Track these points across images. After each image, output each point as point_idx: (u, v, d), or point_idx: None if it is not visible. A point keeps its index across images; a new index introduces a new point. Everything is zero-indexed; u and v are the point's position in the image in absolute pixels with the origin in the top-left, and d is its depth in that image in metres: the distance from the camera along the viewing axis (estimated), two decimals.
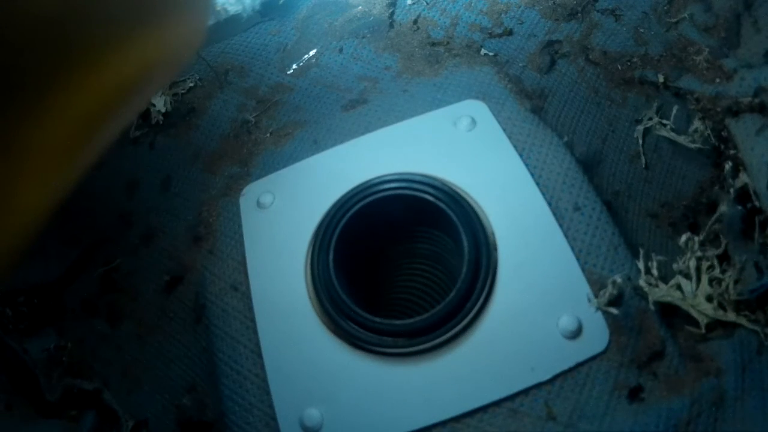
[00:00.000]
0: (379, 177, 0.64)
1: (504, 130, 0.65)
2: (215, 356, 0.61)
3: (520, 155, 0.63)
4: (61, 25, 0.22)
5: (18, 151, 0.23)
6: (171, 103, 0.79)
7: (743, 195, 0.56)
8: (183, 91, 0.79)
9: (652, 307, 0.53)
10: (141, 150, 0.78)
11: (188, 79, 0.80)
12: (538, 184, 0.61)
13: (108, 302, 0.71)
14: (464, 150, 0.64)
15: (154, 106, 0.78)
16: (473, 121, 0.66)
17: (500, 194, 0.61)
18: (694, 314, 0.52)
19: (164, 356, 0.67)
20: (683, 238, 0.55)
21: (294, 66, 0.79)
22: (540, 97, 0.70)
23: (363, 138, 0.68)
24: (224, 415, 0.58)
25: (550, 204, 0.60)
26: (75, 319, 0.71)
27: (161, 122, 0.78)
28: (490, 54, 0.73)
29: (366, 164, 0.65)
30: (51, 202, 0.27)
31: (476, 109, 0.67)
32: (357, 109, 0.72)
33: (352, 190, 0.63)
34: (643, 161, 0.66)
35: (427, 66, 0.74)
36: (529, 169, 0.62)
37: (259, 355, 0.59)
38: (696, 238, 0.54)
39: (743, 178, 0.55)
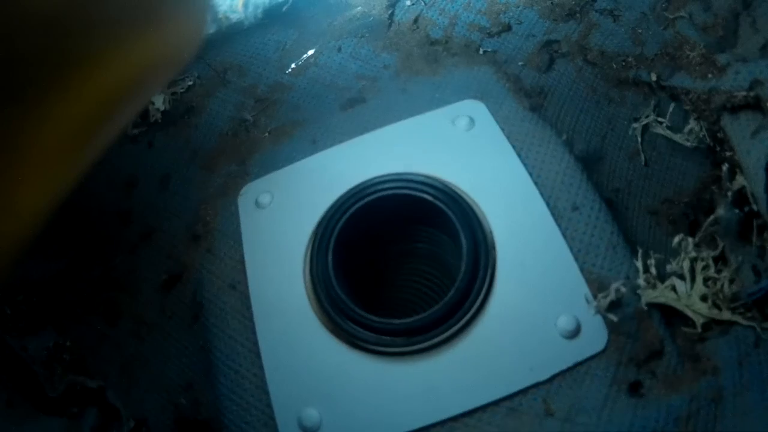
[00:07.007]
0: (377, 177, 0.64)
1: (502, 129, 0.65)
2: (213, 355, 0.61)
3: (519, 154, 0.63)
4: (62, 25, 0.22)
5: (18, 151, 0.23)
6: (170, 101, 0.79)
7: (741, 197, 0.55)
8: (182, 90, 0.79)
9: (644, 308, 0.53)
10: (140, 148, 0.78)
11: (187, 77, 0.80)
12: (536, 183, 0.61)
13: (106, 300, 0.71)
14: (463, 149, 0.64)
15: (153, 104, 0.78)
16: (472, 121, 0.66)
17: (499, 194, 0.61)
18: (690, 314, 0.52)
19: (162, 354, 0.67)
20: (676, 239, 0.55)
21: (293, 65, 0.79)
22: (539, 95, 0.70)
23: (362, 138, 0.68)
24: (222, 414, 0.58)
25: (548, 203, 0.60)
26: (74, 318, 0.71)
27: (160, 121, 0.78)
28: (489, 53, 0.73)
29: (365, 164, 0.65)
30: (51, 201, 0.27)
31: (475, 108, 0.67)
32: (355, 108, 0.72)
33: (350, 189, 0.63)
34: (643, 158, 0.66)
35: (426, 65, 0.74)
36: (527, 169, 0.62)
37: (258, 355, 0.59)
38: (690, 239, 0.54)
39: (740, 180, 0.55)
